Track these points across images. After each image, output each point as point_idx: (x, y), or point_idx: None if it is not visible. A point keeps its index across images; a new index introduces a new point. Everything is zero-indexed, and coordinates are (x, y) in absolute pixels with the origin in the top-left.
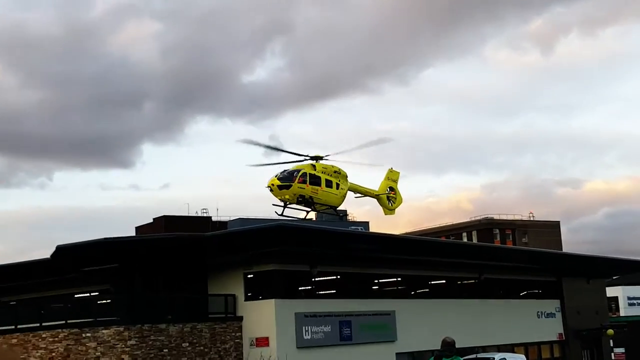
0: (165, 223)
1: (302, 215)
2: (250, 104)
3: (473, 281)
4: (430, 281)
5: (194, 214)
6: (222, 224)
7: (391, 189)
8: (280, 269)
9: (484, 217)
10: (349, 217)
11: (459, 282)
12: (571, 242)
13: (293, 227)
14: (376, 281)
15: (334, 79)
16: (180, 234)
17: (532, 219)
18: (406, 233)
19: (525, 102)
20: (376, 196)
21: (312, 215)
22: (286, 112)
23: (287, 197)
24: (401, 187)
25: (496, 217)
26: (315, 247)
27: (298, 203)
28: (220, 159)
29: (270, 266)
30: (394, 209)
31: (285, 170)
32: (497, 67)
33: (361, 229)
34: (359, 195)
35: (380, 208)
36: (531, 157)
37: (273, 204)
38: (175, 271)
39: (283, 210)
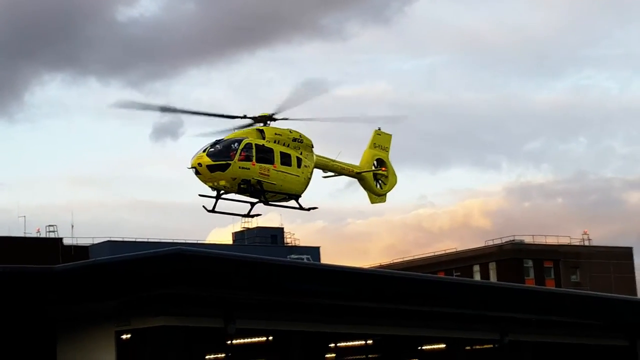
0: None
1: (244, 208)
2: (130, 56)
3: (491, 345)
4: (421, 345)
5: (34, 234)
6: (81, 250)
7: (380, 162)
8: (176, 325)
9: (508, 240)
10: (289, 240)
11: (467, 348)
12: None
13: (197, 256)
14: (333, 345)
15: (268, 14)
16: (8, 266)
17: (587, 243)
18: (382, 266)
19: (577, 52)
20: (357, 175)
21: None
22: (188, 67)
23: (222, 183)
24: None
25: (528, 240)
26: (232, 289)
27: (240, 192)
28: (79, 142)
29: (160, 320)
30: (385, 194)
31: (218, 141)
32: None
33: (307, 258)
34: (330, 174)
35: (364, 194)
36: (586, 141)
37: (200, 194)
38: (1, 329)
39: (215, 204)
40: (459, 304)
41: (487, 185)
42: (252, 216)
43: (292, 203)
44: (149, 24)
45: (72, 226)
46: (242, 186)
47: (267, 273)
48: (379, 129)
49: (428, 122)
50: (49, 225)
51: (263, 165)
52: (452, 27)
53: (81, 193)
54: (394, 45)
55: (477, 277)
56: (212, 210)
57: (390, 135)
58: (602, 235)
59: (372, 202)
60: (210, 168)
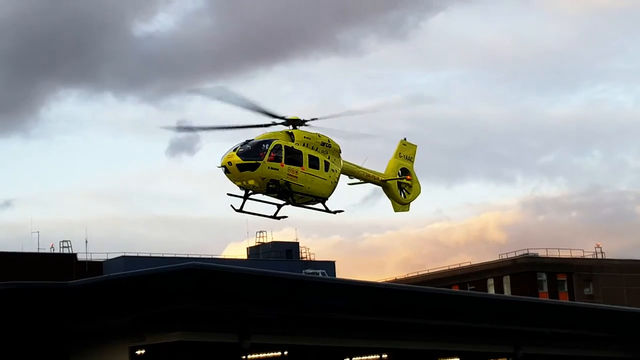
0: None
1: (270, 210)
2: (146, 71)
3: (505, 359)
4: (436, 359)
5: (48, 250)
6: (95, 266)
7: (404, 171)
8: (190, 341)
9: (523, 253)
10: (304, 255)
11: None
12: None
13: (211, 271)
14: (348, 359)
15: (285, 29)
16: (22, 282)
17: (600, 256)
18: (397, 280)
19: (591, 66)
20: (382, 183)
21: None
22: (204, 82)
23: (251, 182)
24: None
25: (542, 253)
26: (247, 304)
27: (269, 192)
28: (95, 158)
29: (174, 336)
30: (409, 203)
31: (248, 141)
32: (548, 9)
33: (322, 272)
34: (356, 181)
35: (381, 208)
36: (600, 155)
37: (228, 194)
38: (14, 346)
39: (243, 204)
40: (473, 318)
41: (502, 199)
42: (279, 218)
43: (319, 206)
44: (165, 39)
45: (86, 241)
46: (270, 186)
47: (282, 288)
48: (405, 139)
49: (444, 136)
50: (63, 241)
51: (292, 166)
52: (467, 42)
53: (96, 208)
54: (410, 60)
55: (492, 290)
56: (240, 210)
57: (416, 146)
58: (615, 249)
59: (396, 210)
60: (240, 167)
